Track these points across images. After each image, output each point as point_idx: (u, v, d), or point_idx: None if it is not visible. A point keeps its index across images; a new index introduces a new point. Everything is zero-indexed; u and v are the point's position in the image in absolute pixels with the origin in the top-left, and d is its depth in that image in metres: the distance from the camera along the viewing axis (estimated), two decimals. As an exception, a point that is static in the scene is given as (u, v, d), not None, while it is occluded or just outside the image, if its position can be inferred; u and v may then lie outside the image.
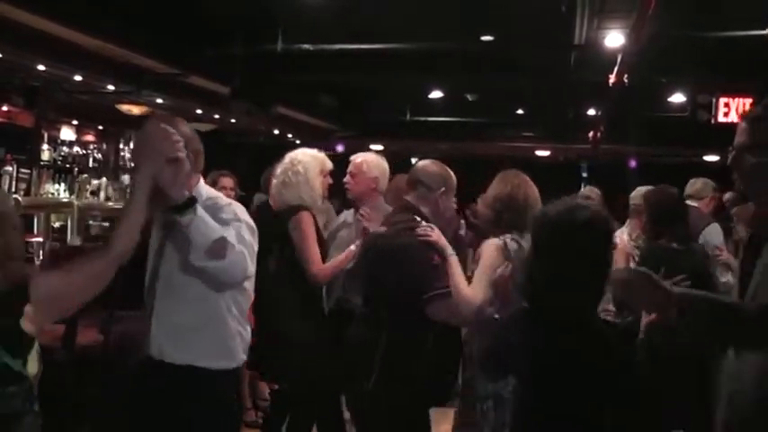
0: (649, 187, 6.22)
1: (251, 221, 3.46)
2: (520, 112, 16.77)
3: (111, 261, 2.63)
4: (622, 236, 6.30)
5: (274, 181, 5.51)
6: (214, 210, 3.26)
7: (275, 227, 5.42)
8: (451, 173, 4.43)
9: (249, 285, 3.49)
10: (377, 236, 4.35)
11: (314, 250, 5.17)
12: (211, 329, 3.37)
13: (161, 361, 3.36)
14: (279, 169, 5.48)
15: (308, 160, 5.43)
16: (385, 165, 5.78)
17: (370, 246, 4.36)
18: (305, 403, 5.55)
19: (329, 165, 5.54)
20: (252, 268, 3.34)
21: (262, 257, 4.83)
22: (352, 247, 5.19)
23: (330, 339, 5.22)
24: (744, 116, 2.73)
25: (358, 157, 5.73)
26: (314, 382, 5.27)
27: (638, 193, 6.39)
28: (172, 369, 3.34)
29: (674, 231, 5.17)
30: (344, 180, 5.70)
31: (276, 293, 5.30)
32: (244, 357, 3.55)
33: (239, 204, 3.58)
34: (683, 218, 5.33)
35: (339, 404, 5.38)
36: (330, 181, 5.57)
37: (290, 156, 5.50)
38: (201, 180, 3.53)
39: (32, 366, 2.59)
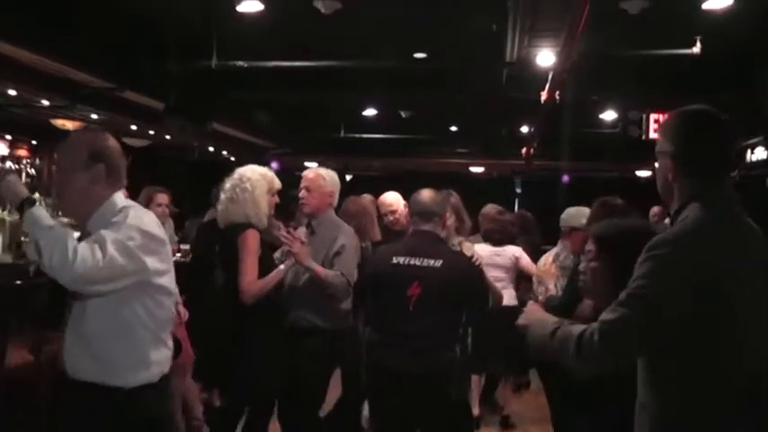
0: (580, 208, 6.33)
1: (154, 232, 3.29)
2: (454, 128, 16.92)
3: None
4: (548, 257, 6.41)
5: (222, 196, 5.50)
6: (113, 220, 3.21)
7: (222, 243, 5.45)
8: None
9: (168, 301, 3.37)
10: (436, 270, 4.53)
11: (250, 268, 5.16)
12: (121, 343, 3.23)
13: (74, 379, 3.22)
14: (227, 185, 5.48)
15: (256, 178, 5.42)
16: (338, 179, 5.82)
17: (434, 282, 4.48)
18: (257, 413, 5.56)
19: (278, 184, 5.53)
20: (115, 284, 3.13)
21: (207, 272, 4.88)
22: (282, 267, 5.22)
23: (279, 352, 5.28)
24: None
25: (311, 173, 5.75)
26: (259, 394, 5.32)
27: (568, 214, 6.49)
28: (85, 386, 3.21)
29: None
30: (300, 195, 5.71)
31: (224, 307, 5.33)
32: (163, 371, 3.38)
33: (148, 213, 3.40)
34: None
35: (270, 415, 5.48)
36: (277, 200, 5.57)
37: (239, 172, 5.49)
38: (120, 193, 3.41)
39: None
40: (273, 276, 5.23)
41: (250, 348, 5.27)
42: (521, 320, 2.94)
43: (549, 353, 2.68)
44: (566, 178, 18.03)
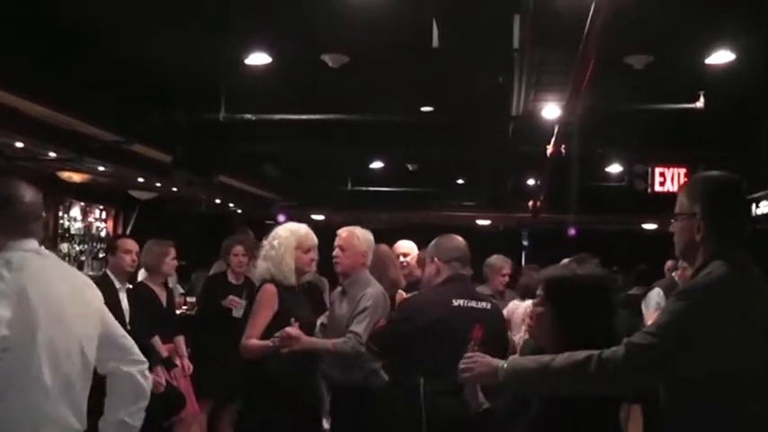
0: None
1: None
2: (460, 181, 16.96)
3: None
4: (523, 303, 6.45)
5: (260, 253, 5.52)
6: None
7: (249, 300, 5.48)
8: None
9: None
10: (489, 312, 4.63)
11: (256, 323, 5.13)
12: None
13: None
14: (264, 243, 5.49)
15: (286, 235, 5.38)
16: (372, 238, 5.79)
17: (490, 324, 4.53)
18: None
19: (310, 240, 5.47)
20: None
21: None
22: (269, 343, 5.11)
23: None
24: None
25: (344, 231, 5.71)
26: None
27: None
28: None
29: None
30: (334, 254, 5.67)
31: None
32: None
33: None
34: None
35: None
36: (313, 257, 5.50)
37: (276, 229, 5.50)
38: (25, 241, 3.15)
39: None
40: (259, 347, 5.14)
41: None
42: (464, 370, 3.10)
43: (551, 383, 2.84)
44: (572, 231, 18.01)
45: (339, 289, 5.66)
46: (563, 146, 9.34)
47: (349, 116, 10.23)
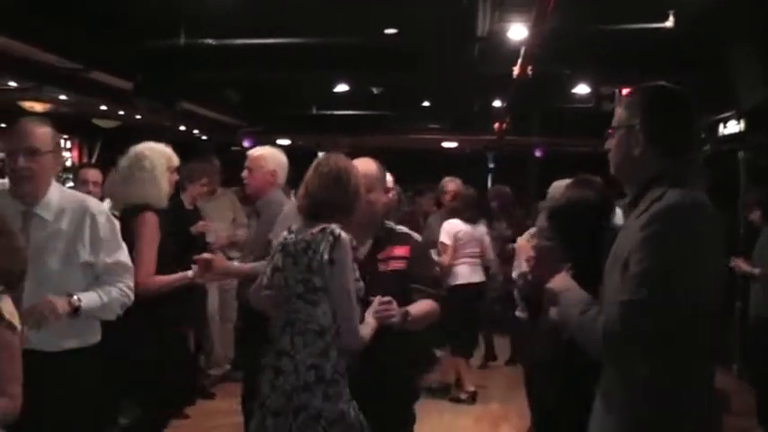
0: (567, 181, 6.31)
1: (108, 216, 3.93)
2: (426, 104, 16.88)
3: None
4: (530, 232, 6.41)
5: (116, 177, 5.29)
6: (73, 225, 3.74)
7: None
8: None
9: None
10: None
11: (148, 257, 4.83)
12: None
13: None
14: (123, 163, 5.21)
15: (155, 156, 5.17)
16: (283, 158, 5.71)
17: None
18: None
19: (176, 160, 5.28)
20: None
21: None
22: (189, 273, 4.98)
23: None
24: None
25: (255, 152, 5.66)
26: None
27: (555, 188, 6.47)
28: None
29: None
30: (242, 175, 5.61)
31: None
32: None
33: (93, 201, 4.00)
34: None
35: None
36: (176, 177, 5.35)
37: (135, 150, 5.22)
38: (54, 185, 3.83)
39: None
40: (177, 278, 4.96)
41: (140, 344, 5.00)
42: (551, 285, 2.92)
43: (576, 331, 2.67)
44: (538, 153, 18.05)
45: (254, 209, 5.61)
46: (529, 67, 9.28)
47: (312, 39, 10.12)
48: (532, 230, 6.37)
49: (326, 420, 3.51)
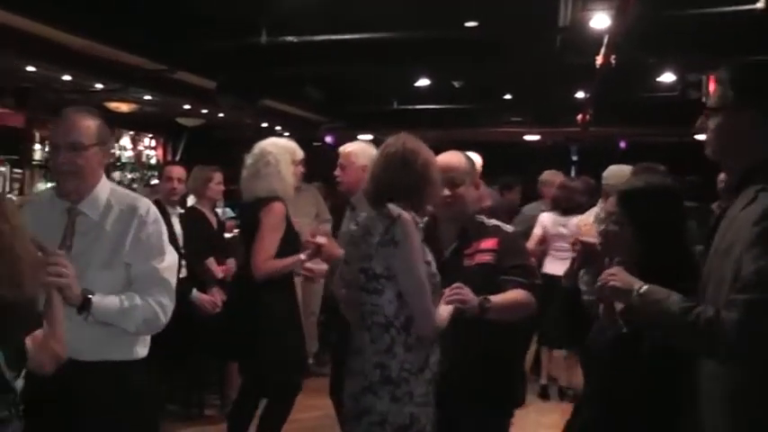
0: (622, 166, 6.21)
1: (157, 218, 3.58)
2: (507, 96, 16.74)
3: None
4: (588, 217, 6.32)
5: (244, 173, 5.46)
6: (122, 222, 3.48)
7: (247, 219, 5.42)
8: None
9: None
10: None
11: (268, 244, 5.13)
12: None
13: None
14: (249, 160, 5.42)
15: (278, 151, 5.36)
16: (374, 152, 5.75)
17: None
18: (278, 389, 5.59)
19: (300, 154, 5.48)
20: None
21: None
22: (302, 256, 5.15)
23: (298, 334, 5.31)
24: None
25: (346, 148, 5.70)
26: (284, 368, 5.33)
27: (610, 172, 6.38)
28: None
29: None
30: (335, 173, 5.67)
31: (244, 285, 5.35)
32: None
33: (145, 201, 3.63)
34: None
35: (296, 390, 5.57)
36: (302, 170, 5.52)
37: (260, 146, 5.43)
38: (103, 181, 3.59)
39: (21, 382, 2.62)
40: (291, 261, 5.17)
41: (266, 328, 5.24)
42: (612, 283, 2.74)
43: (677, 331, 2.49)
44: (623, 144, 17.75)
45: (349, 206, 5.68)
46: (612, 56, 9.12)
47: (392, 34, 10.09)
48: (593, 212, 6.23)
49: (392, 426, 3.27)
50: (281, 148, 5.41)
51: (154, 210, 3.58)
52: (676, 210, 3.03)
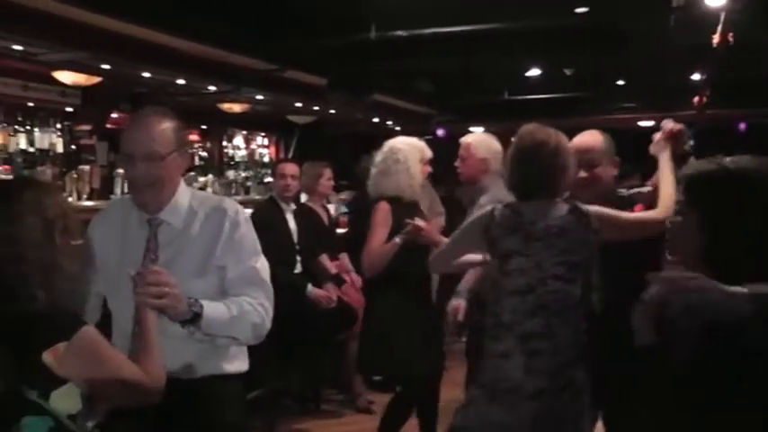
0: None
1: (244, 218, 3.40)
2: (620, 82, 16.40)
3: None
4: None
5: (373, 170, 5.49)
6: (210, 225, 3.30)
7: (363, 218, 5.50)
8: None
9: None
10: None
11: (375, 238, 5.23)
12: None
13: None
14: (378, 158, 5.46)
15: (407, 149, 5.39)
16: (495, 143, 5.72)
17: None
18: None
19: (429, 153, 5.51)
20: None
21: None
22: (396, 240, 5.15)
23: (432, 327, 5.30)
24: None
25: (465, 140, 5.70)
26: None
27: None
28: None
29: None
30: (456, 164, 5.67)
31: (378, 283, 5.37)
32: None
33: (230, 202, 3.47)
34: None
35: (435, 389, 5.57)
36: (429, 169, 5.54)
37: (389, 144, 5.48)
38: (182, 186, 3.36)
39: (62, 403, 2.35)
40: (390, 246, 5.18)
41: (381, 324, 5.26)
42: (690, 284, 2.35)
43: None
44: (742, 126, 17.18)
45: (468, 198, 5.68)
46: (730, 35, 8.82)
47: (501, 24, 10.00)
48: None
49: (586, 394, 3.65)
50: (410, 146, 5.45)
51: (242, 209, 3.40)
52: (750, 198, 2.63)
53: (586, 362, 3.65)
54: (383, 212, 5.28)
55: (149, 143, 3.15)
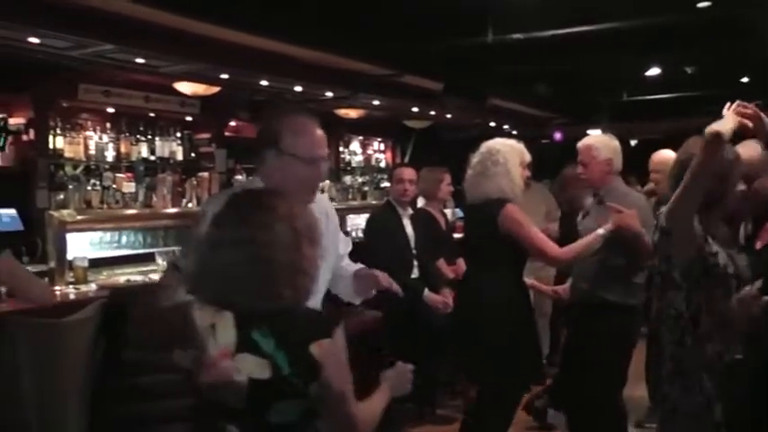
0: None
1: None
2: (744, 79, 15.92)
3: None
4: None
5: (470, 171, 5.43)
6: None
7: (477, 219, 5.38)
8: None
9: None
10: None
11: (538, 236, 5.08)
12: None
13: None
14: (474, 159, 5.39)
15: (507, 150, 5.30)
16: (614, 143, 5.62)
17: None
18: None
19: (528, 157, 5.39)
20: None
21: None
22: (600, 231, 5.06)
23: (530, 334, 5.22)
24: None
25: (585, 142, 5.60)
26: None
27: None
28: None
29: None
30: (578, 170, 5.59)
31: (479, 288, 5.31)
32: None
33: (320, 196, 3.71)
34: None
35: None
36: (528, 173, 5.42)
37: (488, 145, 5.39)
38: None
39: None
40: (591, 240, 5.09)
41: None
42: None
43: None
44: None
45: (595, 199, 5.56)
46: None
47: (619, 24, 9.82)
48: None
49: (682, 415, 3.39)
50: (510, 148, 5.33)
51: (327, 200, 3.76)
52: None
53: None
54: (520, 212, 5.13)
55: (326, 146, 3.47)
